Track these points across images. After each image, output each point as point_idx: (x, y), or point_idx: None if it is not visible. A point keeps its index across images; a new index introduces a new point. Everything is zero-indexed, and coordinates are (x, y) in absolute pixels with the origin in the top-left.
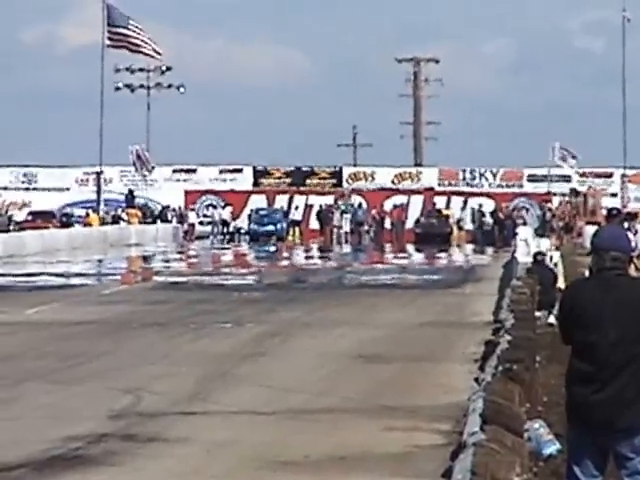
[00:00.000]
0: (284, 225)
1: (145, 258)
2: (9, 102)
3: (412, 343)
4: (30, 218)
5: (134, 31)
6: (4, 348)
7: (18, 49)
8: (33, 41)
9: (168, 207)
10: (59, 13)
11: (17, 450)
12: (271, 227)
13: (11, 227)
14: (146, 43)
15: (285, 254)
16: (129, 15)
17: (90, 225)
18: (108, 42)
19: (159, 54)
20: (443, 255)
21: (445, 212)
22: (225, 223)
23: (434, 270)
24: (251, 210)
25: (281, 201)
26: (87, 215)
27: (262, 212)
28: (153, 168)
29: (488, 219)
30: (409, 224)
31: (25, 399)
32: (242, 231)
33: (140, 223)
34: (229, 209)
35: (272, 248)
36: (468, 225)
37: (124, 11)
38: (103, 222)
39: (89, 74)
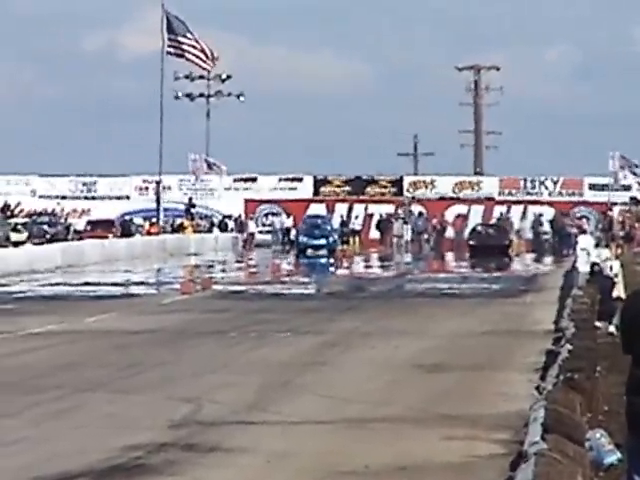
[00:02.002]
0: (336, 237)
1: (204, 267)
2: (68, 110)
3: (472, 352)
4: (89, 227)
5: (191, 39)
6: (64, 357)
7: (79, 57)
8: (94, 49)
9: (230, 217)
10: (120, 21)
11: (79, 459)
12: (322, 240)
13: (70, 236)
14: (202, 52)
15: (344, 263)
16: (189, 22)
17: (151, 234)
18: (168, 50)
19: (213, 63)
20: (503, 265)
21: (507, 219)
22: (288, 232)
23: (494, 279)
24: (302, 221)
25: (341, 210)
26: (152, 224)
27: (312, 222)
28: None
29: (547, 228)
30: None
31: (86, 408)
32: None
33: (195, 232)
34: (291, 218)
35: (331, 258)
36: (528, 234)
37: (184, 18)
38: (163, 231)
39: (149, 82)
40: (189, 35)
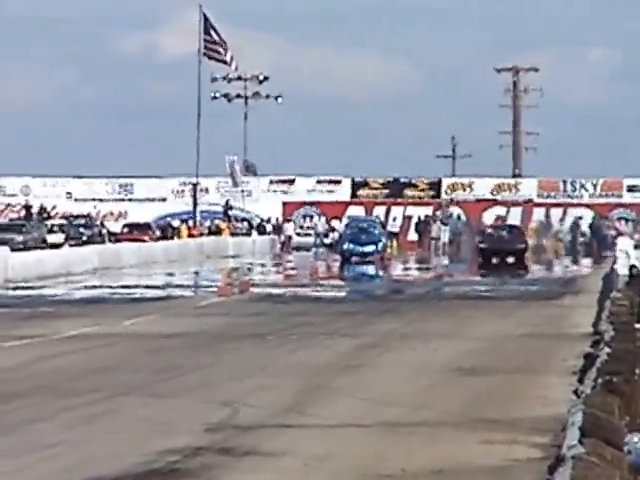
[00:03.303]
0: (384, 240)
1: (242, 270)
2: (105, 112)
3: (510, 355)
4: (126, 230)
5: (219, 40)
6: (101, 360)
7: (117, 59)
8: (132, 51)
9: (269, 220)
10: (158, 22)
11: (114, 463)
12: (371, 247)
13: (106, 239)
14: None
15: (382, 266)
16: (227, 23)
17: (191, 236)
18: (204, 52)
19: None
20: (540, 267)
21: (547, 221)
22: (326, 235)
23: (533, 281)
24: (346, 224)
25: (379, 212)
26: (192, 227)
27: (359, 225)
28: (241, 183)
29: (585, 230)
30: None
31: (121, 412)
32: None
33: (232, 235)
34: (337, 222)
35: (370, 260)
36: (567, 237)
37: (222, 20)
38: (200, 234)
39: (186, 84)
40: (215, 36)
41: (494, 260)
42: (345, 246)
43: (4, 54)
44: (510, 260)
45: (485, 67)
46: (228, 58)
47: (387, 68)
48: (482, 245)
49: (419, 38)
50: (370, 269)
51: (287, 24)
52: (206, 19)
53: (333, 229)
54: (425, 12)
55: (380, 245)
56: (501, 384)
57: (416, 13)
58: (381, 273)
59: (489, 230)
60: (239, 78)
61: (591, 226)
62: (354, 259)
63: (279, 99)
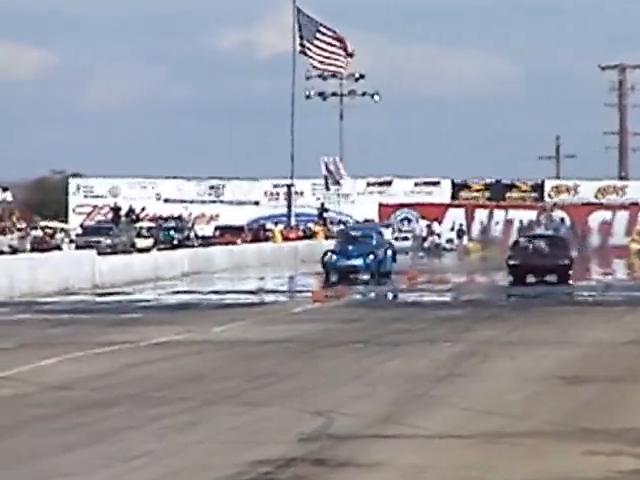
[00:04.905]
0: (381, 253)
1: None
2: (196, 112)
3: (616, 363)
4: (218, 233)
5: (322, 39)
6: (191, 368)
7: (208, 57)
8: (225, 49)
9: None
10: (252, 20)
11: (205, 474)
12: (358, 261)
13: (195, 242)
14: (333, 54)
15: (483, 270)
16: (322, 20)
17: (288, 240)
18: (299, 49)
19: (347, 61)
20: None
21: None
22: (425, 239)
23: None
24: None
25: (480, 216)
26: (290, 230)
27: (351, 233)
28: (340, 180)
29: None
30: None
31: (212, 421)
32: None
33: (327, 239)
34: (436, 224)
35: (473, 263)
36: None
37: (318, 16)
38: (297, 237)
39: (280, 82)
40: (319, 35)
41: (528, 279)
42: (327, 258)
43: (94, 54)
44: (550, 279)
45: (589, 64)
46: (336, 55)
47: (488, 67)
48: (512, 261)
49: (521, 36)
50: (470, 272)
51: (386, 21)
52: (302, 18)
53: (432, 232)
54: (526, 9)
55: (370, 259)
56: (605, 393)
57: (517, 11)
58: (480, 278)
59: (522, 240)
60: (334, 76)
61: None
62: (337, 275)
63: (376, 97)
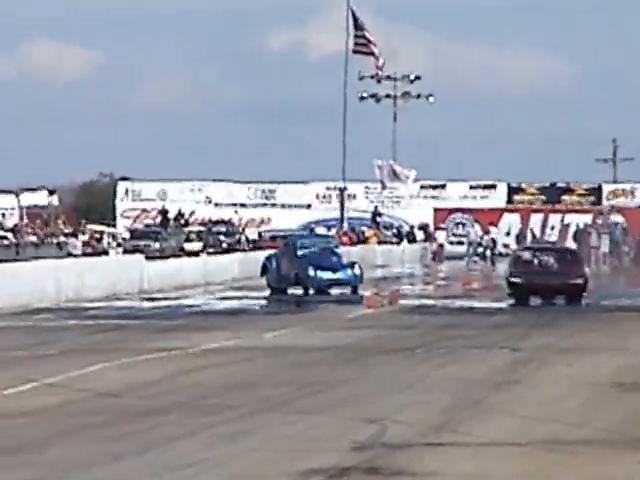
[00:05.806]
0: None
1: (391, 280)
2: (248, 113)
3: None
4: (268, 237)
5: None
6: (241, 375)
7: (260, 57)
8: (277, 48)
9: (424, 227)
10: (305, 19)
11: None
12: (346, 273)
13: (246, 247)
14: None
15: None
16: (379, 20)
17: (343, 244)
18: (354, 48)
19: (381, 68)
20: None
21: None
22: (493, 242)
23: None
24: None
25: (535, 220)
26: (344, 234)
27: (315, 243)
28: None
29: None
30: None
31: (263, 430)
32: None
33: (379, 243)
34: (494, 229)
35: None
36: None
37: (373, 15)
38: (351, 242)
39: (333, 83)
40: (366, 34)
41: (533, 301)
42: (311, 273)
43: (143, 54)
44: (559, 301)
45: None
46: (380, 62)
47: (545, 67)
48: (513, 279)
49: (579, 35)
50: None
51: (442, 21)
52: (355, 17)
53: (489, 238)
54: (583, 8)
55: (357, 269)
56: None
57: (575, 9)
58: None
59: (525, 254)
60: (388, 77)
61: None
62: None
63: (430, 98)
